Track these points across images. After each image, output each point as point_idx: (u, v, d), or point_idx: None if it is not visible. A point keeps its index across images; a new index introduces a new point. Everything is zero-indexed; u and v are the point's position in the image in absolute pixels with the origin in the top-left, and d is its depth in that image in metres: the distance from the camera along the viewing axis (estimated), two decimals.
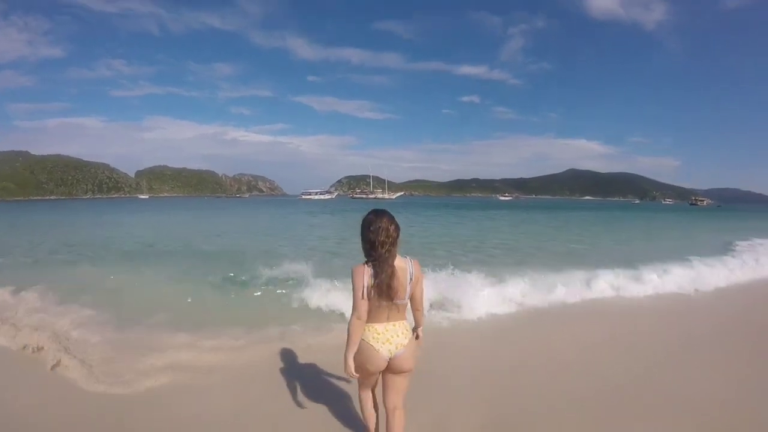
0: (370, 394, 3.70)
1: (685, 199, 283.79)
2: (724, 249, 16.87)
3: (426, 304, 5.78)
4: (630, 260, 12.18)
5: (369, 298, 3.19)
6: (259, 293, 9.15)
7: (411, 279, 3.30)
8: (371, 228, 3.20)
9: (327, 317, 7.52)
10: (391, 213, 3.37)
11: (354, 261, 3.50)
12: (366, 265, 3.22)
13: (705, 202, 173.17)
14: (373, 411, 3.73)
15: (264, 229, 28.11)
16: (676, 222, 42.44)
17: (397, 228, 3.28)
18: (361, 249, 3.30)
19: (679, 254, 13.58)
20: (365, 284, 3.17)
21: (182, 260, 13.20)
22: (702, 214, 61.76)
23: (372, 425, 3.72)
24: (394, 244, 3.23)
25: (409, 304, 3.43)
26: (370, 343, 3.29)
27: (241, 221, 36.59)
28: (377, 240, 3.17)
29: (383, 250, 3.17)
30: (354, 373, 3.29)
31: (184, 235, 21.36)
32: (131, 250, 16.18)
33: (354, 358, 3.28)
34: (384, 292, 3.20)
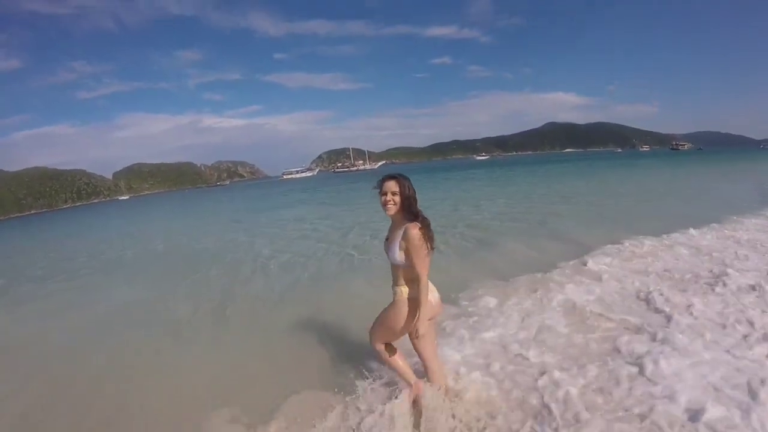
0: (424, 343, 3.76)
1: (665, 144, 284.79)
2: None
3: None
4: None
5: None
6: None
7: (396, 243, 3.51)
8: (409, 191, 3.52)
9: None
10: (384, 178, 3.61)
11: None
12: (416, 225, 3.45)
13: (686, 146, 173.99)
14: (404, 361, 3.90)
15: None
16: (670, 170, 39.72)
17: (401, 190, 3.50)
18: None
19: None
20: (426, 245, 3.47)
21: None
22: (688, 160, 59.95)
23: (412, 376, 3.86)
24: (394, 204, 3.49)
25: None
26: (433, 294, 3.61)
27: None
28: (416, 202, 3.53)
29: (383, 208, 3.53)
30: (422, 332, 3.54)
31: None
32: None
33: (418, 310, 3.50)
34: (385, 243, 3.63)
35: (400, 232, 3.45)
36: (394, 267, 3.59)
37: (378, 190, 3.56)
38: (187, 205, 53.60)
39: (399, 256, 3.47)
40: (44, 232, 37.55)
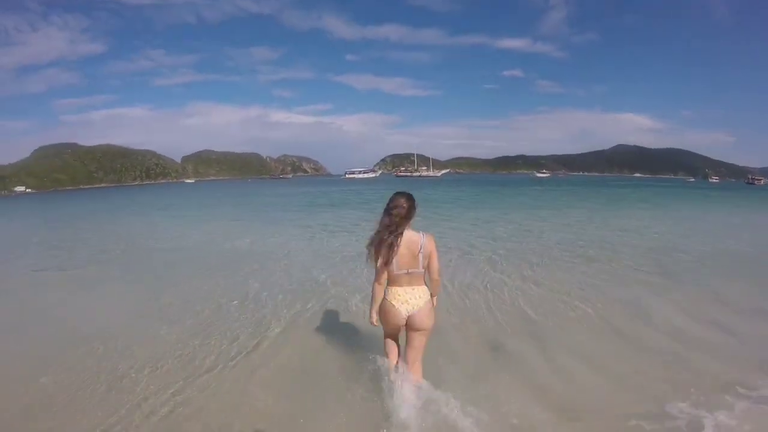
0: (392, 341, 4.48)
1: (739, 176, 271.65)
2: None
3: None
4: None
5: (384, 265, 4.00)
6: None
7: (422, 250, 3.99)
8: (389, 204, 4.03)
9: None
10: (413, 193, 4.19)
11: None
12: (383, 236, 3.99)
13: (762, 180, 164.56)
14: (393, 348, 4.48)
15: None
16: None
17: (412, 205, 4.04)
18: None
19: None
20: (380, 252, 3.99)
21: None
22: None
23: (392, 359, 4.44)
24: (405, 218, 3.99)
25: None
26: (392, 302, 4.06)
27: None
28: (392, 214, 3.97)
29: (394, 224, 3.94)
30: (375, 323, 4.25)
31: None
32: None
33: (380, 313, 4.19)
34: (393, 260, 3.97)
35: (418, 242, 4.07)
36: (409, 275, 4.10)
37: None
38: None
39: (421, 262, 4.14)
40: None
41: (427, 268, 4.06)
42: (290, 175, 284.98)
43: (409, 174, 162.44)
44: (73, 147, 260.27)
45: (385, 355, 4.50)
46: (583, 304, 7.71)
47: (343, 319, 7.16)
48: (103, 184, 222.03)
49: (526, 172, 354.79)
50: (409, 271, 3.99)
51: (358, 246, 11.43)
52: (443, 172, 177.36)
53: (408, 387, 4.13)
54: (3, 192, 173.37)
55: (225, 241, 15.47)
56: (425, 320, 4.10)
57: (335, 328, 6.68)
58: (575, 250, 12.88)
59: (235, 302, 7.99)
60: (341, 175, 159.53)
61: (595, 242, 14.26)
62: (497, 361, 5.56)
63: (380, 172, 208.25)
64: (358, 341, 6.05)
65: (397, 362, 4.41)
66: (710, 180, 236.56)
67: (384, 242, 3.96)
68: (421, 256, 3.97)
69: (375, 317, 4.22)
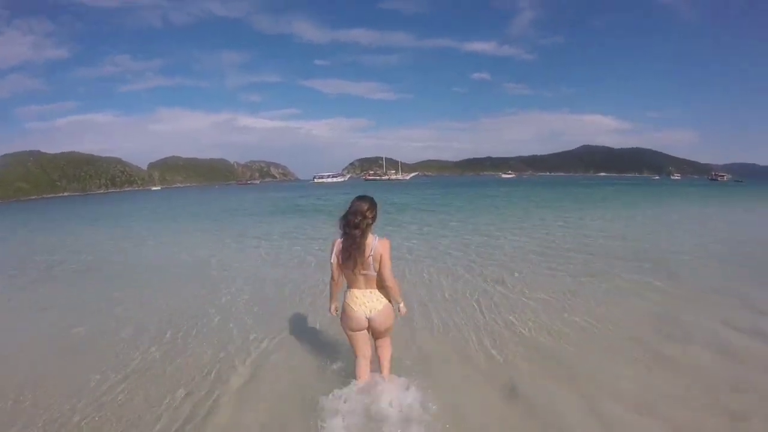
0: (360, 341, 4.40)
1: (702, 173, 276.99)
2: None
3: None
4: None
5: (339, 265, 4.19)
6: None
7: (372, 253, 4.04)
8: (349, 208, 4.08)
9: None
10: (374, 198, 4.27)
11: None
12: (340, 238, 4.17)
13: (725, 177, 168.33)
14: (362, 348, 4.43)
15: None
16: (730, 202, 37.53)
17: (373, 211, 4.11)
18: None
19: None
20: (335, 253, 4.19)
21: None
22: (736, 192, 56.54)
23: (360, 376, 4.38)
24: (362, 223, 4.01)
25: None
26: (351, 305, 4.22)
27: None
28: (348, 218, 4.04)
29: (350, 227, 4.02)
30: (333, 312, 4.49)
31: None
32: None
33: (342, 317, 4.36)
34: (347, 262, 4.10)
35: (371, 245, 4.10)
36: (365, 276, 4.21)
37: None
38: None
39: (372, 265, 4.18)
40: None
41: (378, 272, 4.11)
42: (258, 181, 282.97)
43: (377, 177, 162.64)
44: (35, 155, 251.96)
45: (355, 355, 4.48)
46: (601, 323, 6.56)
47: (307, 325, 6.91)
48: (66, 193, 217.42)
49: (493, 173, 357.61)
50: (363, 273, 4.10)
51: (313, 255, 11.40)
52: (412, 175, 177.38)
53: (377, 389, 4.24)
54: None
55: (157, 254, 15.02)
56: (384, 323, 4.27)
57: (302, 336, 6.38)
58: (560, 258, 11.82)
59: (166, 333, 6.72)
60: (310, 180, 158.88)
61: (579, 247, 13.54)
62: (517, 408, 4.35)
63: (349, 176, 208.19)
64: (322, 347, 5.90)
65: (364, 373, 4.41)
66: (672, 177, 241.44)
67: (343, 245, 4.12)
68: (371, 259, 4.04)
69: (333, 309, 4.48)
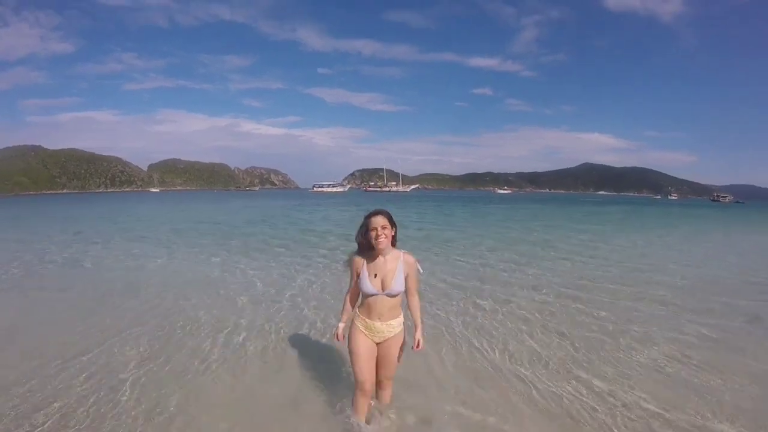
0: (365, 368, 3.81)
1: (702, 194, 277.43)
2: None
3: None
4: None
5: (359, 285, 3.76)
6: None
7: (400, 271, 3.71)
8: (369, 224, 3.68)
9: None
10: (391, 208, 4.03)
11: None
12: (359, 255, 3.79)
13: (727, 198, 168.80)
14: (366, 376, 3.81)
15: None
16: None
17: (393, 224, 3.76)
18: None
19: None
20: (355, 271, 3.80)
21: None
22: (741, 215, 54.52)
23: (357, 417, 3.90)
24: (385, 237, 3.65)
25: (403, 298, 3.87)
26: (360, 328, 3.83)
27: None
28: (370, 233, 3.65)
29: (374, 242, 3.63)
30: (341, 338, 4.01)
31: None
32: None
33: (350, 338, 3.88)
34: (372, 281, 3.70)
35: (398, 263, 3.71)
36: (391, 299, 3.73)
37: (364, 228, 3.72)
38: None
39: (403, 284, 3.72)
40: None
41: (406, 290, 3.81)
42: (257, 188, 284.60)
43: (378, 189, 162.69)
44: (37, 149, 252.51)
45: (355, 385, 3.94)
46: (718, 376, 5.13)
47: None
48: (65, 190, 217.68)
49: (492, 188, 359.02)
50: (388, 293, 3.71)
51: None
52: (412, 187, 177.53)
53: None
54: None
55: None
56: (396, 344, 3.91)
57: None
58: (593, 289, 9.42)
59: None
60: (309, 188, 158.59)
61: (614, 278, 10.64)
62: None
63: (349, 186, 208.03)
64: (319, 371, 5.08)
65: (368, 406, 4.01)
66: (669, 197, 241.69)
67: (367, 263, 3.75)
68: (400, 276, 3.71)
69: (340, 329, 4.03)
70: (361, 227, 3.76)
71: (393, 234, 3.75)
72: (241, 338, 6.13)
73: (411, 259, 3.79)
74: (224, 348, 5.80)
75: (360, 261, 3.77)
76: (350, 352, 3.88)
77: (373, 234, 3.63)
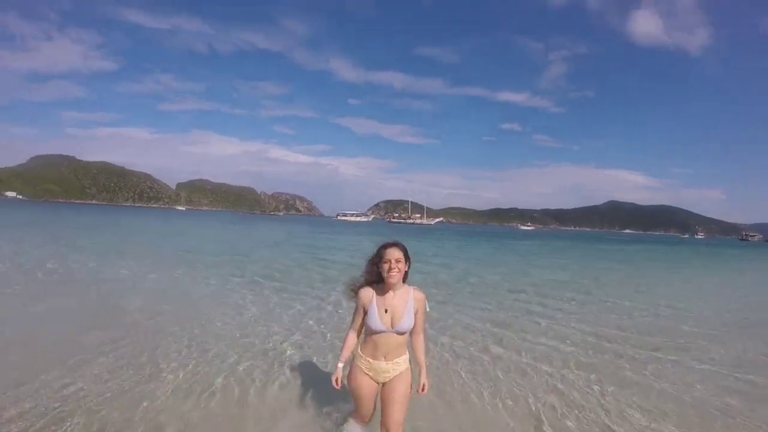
0: (366, 406, 3.64)
1: (729, 233, 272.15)
2: None
3: None
4: None
5: (367, 321, 3.45)
6: None
7: (409, 308, 3.45)
8: (383, 255, 3.40)
9: None
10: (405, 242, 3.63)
11: None
12: (368, 287, 3.49)
13: (756, 237, 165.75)
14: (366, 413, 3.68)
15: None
16: None
17: (407, 258, 3.48)
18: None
19: None
20: (363, 304, 3.48)
21: None
22: None
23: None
24: (398, 271, 3.37)
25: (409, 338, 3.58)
26: (363, 369, 3.51)
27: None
28: (383, 266, 3.38)
29: (386, 275, 3.35)
30: (338, 384, 3.55)
31: None
32: None
33: (350, 379, 3.57)
34: (382, 317, 3.39)
35: (408, 299, 3.46)
36: (399, 336, 3.46)
37: (378, 258, 3.46)
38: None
39: (413, 321, 3.46)
40: None
41: (413, 328, 3.51)
42: (282, 213, 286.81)
43: (402, 221, 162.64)
44: (69, 160, 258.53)
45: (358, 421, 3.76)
46: None
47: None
48: (94, 201, 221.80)
49: (517, 224, 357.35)
50: (396, 330, 3.42)
51: None
52: (436, 221, 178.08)
53: None
54: None
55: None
56: (404, 382, 3.52)
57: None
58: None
59: None
60: (333, 217, 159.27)
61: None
62: None
63: (373, 216, 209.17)
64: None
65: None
66: (696, 236, 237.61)
67: (376, 296, 3.45)
68: (410, 313, 3.44)
69: (339, 371, 3.56)
70: (373, 257, 3.51)
71: (406, 269, 3.48)
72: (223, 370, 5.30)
73: (421, 295, 3.52)
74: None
75: (369, 295, 3.47)
76: (352, 394, 3.61)
77: (386, 266, 3.37)
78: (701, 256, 42.05)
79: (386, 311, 3.40)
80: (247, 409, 4.47)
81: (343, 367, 3.60)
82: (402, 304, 3.43)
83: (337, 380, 3.54)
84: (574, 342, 7.65)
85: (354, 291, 3.59)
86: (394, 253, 3.38)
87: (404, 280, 3.52)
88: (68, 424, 3.87)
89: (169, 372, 5.22)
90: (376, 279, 3.47)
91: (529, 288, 13.71)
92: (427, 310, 3.60)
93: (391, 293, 3.44)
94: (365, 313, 3.46)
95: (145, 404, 4.34)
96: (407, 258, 3.47)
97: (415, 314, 3.46)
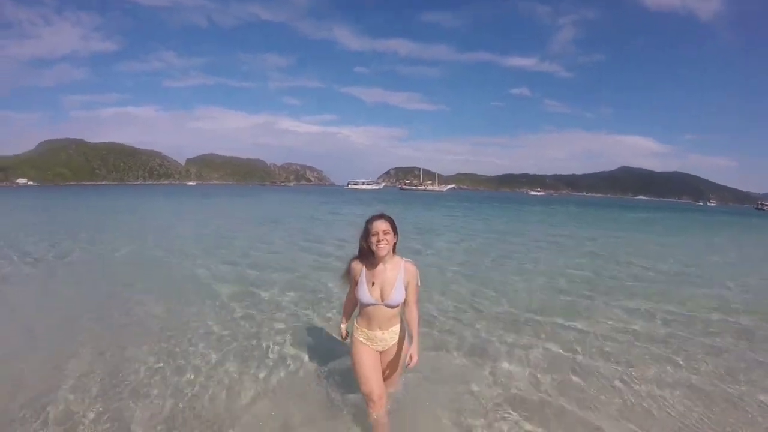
0: (372, 375, 3.55)
1: (743, 202, 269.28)
2: None
3: None
4: None
5: (358, 294, 3.51)
6: None
7: (400, 280, 3.47)
8: (370, 228, 3.44)
9: None
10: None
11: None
12: (358, 260, 3.56)
13: None
14: (374, 384, 3.52)
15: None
16: None
17: (395, 230, 3.52)
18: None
19: None
20: (353, 276, 3.57)
21: None
22: None
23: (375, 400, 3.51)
24: (387, 243, 3.40)
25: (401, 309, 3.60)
26: (361, 339, 3.60)
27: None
28: (371, 239, 3.41)
29: (375, 248, 3.39)
30: (344, 336, 3.91)
31: None
32: None
33: (352, 351, 3.63)
34: (371, 289, 3.47)
35: (398, 272, 3.47)
36: (390, 309, 3.51)
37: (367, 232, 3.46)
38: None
39: (403, 294, 3.48)
40: None
41: (405, 300, 3.52)
42: (292, 183, 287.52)
43: (414, 188, 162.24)
44: (78, 143, 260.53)
45: (364, 394, 3.59)
46: None
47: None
48: (105, 182, 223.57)
49: (527, 189, 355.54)
50: (382, 302, 3.48)
51: None
52: (448, 187, 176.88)
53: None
54: (5, 183, 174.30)
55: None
56: (399, 355, 3.67)
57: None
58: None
59: None
60: (344, 185, 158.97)
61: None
62: None
63: (383, 184, 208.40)
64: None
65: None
66: (708, 204, 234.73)
67: (366, 269, 3.50)
68: (400, 285, 3.46)
69: (343, 329, 3.96)
70: (362, 232, 3.53)
71: (395, 241, 3.52)
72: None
73: (412, 267, 3.56)
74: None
75: (358, 267, 3.56)
76: (354, 363, 3.63)
77: (374, 239, 3.41)
78: (742, 227, 37.98)
79: (373, 284, 3.48)
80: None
81: (346, 327, 3.93)
82: (392, 277, 3.48)
83: (342, 335, 3.96)
84: None
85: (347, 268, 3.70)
86: (381, 225, 3.44)
87: (394, 252, 3.57)
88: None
89: None
90: (368, 252, 3.50)
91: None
92: (419, 284, 3.62)
93: (381, 266, 3.50)
94: (356, 284, 3.56)
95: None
96: (395, 230, 3.52)
97: (407, 287, 3.51)
